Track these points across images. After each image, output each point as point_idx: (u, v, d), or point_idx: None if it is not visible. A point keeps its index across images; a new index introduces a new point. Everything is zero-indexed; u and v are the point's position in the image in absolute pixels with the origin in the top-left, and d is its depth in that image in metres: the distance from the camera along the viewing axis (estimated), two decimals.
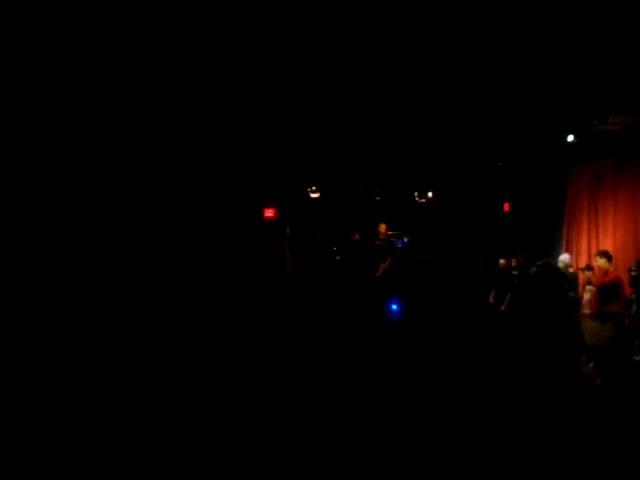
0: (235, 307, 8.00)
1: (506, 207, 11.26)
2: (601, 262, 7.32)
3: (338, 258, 10.34)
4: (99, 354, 6.13)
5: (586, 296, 7.78)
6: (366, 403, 5.66)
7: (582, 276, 8.18)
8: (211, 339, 7.18)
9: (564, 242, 9.68)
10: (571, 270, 8.37)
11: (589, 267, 8.04)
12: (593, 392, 6.32)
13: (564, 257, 8.52)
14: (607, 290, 7.13)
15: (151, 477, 3.98)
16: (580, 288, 8.25)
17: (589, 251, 8.98)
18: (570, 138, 7.68)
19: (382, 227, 10.69)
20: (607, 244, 8.37)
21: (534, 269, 8.42)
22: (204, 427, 4.82)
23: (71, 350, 6.00)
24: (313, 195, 10.72)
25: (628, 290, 7.00)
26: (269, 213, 10.59)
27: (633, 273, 6.82)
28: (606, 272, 7.26)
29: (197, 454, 4.31)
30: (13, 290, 5.87)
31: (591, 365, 7.51)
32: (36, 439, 4.41)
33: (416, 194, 11.25)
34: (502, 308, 9.23)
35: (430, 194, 11.19)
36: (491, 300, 9.52)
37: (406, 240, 10.64)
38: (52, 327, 6.04)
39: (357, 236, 10.59)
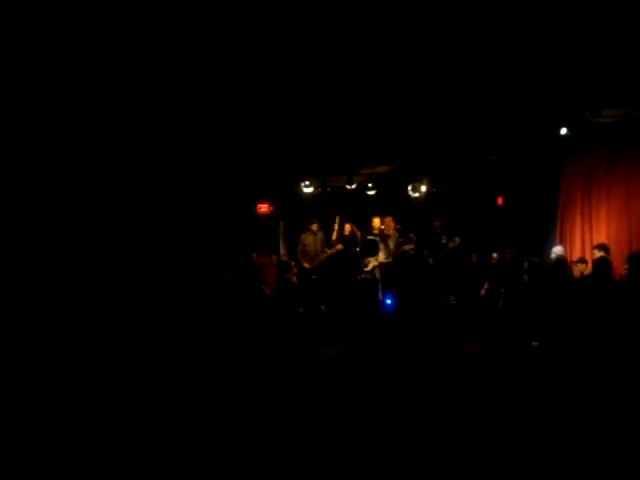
0: (229, 304, 7.97)
1: (499, 200, 11.26)
2: (598, 255, 7.31)
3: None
4: (96, 355, 6.10)
5: None
6: (363, 401, 5.65)
7: (575, 269, 8.19)
8: (204, 337, 7.15)
9: (558, 235, 9.70)
10: None
11: (582, 260, 8.05)
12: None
13: (557, 249, 8.53)
14: None
15: (151, 477, 3.95)
16: None
17: (582, 244, 9.00)
18: (563, 131, 7.67)
19: (376, 221, 10.61)
20: (600, 237, 8.39)
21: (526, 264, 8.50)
22: (203, 427, 4.79)
23: (71, 350, 5.97)
24: (307, 190, 10.67)
25: None
26: (263, 208, 10.54)
27: (625, 267, 6.84)
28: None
29: (197, 454, 4.29)
30: (13, 290, 5.84)
31: None
32: (36, 439, 4.39)
33: (409, 188, 11.22)
34: (482, 293, 9.49)
35: (423, 188, 11.16)
36: (483, 292, 9.55)
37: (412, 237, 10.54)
38: (52, 327, 6.01)
39: (349, 228, 10.57)
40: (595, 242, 8.33)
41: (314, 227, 10.28)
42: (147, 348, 6.45)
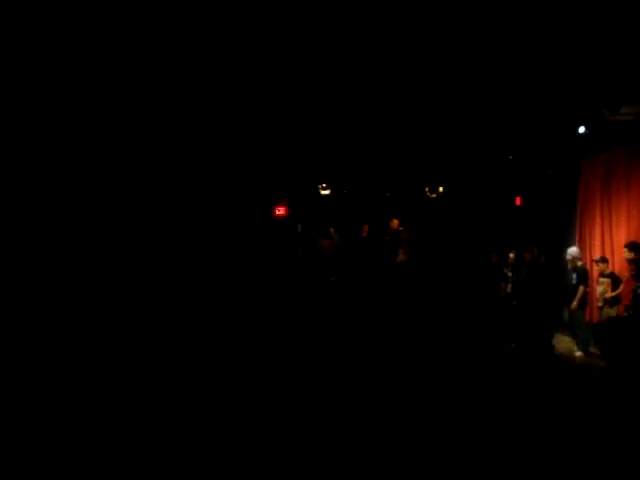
0: (245, 303, 8.03)
1: (518, 201, 11.19)
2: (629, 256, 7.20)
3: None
4: (101, 353, 6.16)
5: (599, 288, 7.72)
6: (370, 397, 5.67)
7: (596, 268, 8.12)
8: (219, 335, 7.21)
9: (577, 234, 9.60)
10: (580, 263, 8.31)
11: (603, 259, 7.97)
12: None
13: (572, 250, 8.46)
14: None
15: (151, 477, 3.97)
16: (593, 280, 8.20)
17: (602, 243, 8.89)
18: (581, 129, 7.60)
19: (394, 223, 10.84)
20: (620, 235, 8.29)
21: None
22: (204, 426, 4.81)
23: (71, 350, 6.03)
24: (324, 192, 10.76)
25: None
26: (280, 211, 10.64)
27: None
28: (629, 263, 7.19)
29: (197, 454, 4.31)
30: (13, 290, 5.91)
31: None
32: (36, 439, 4.43)
33: (427, 189, 11.24)
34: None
35: (441, 189, 11.17)
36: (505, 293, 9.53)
37: None
38: (52, 327, 6.07)
39: (366, 229, 10.81)
40: (615, 241, 8.25)
41: (331, 231, 10.64)
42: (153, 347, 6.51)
